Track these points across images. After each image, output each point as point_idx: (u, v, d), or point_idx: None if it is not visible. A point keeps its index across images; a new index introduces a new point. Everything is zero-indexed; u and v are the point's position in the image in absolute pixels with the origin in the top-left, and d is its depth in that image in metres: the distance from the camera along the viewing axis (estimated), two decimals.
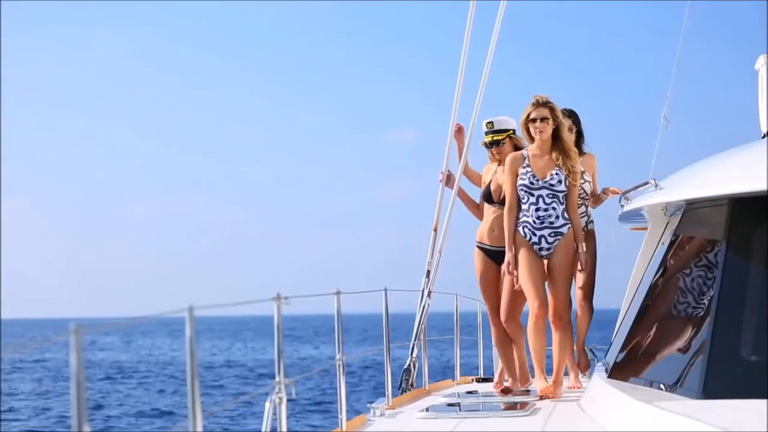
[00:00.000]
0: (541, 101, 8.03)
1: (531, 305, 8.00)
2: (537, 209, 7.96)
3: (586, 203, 8.86)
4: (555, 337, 8.07)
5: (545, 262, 8.04)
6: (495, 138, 8.76)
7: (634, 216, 8.16)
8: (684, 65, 11.00)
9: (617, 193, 8.56)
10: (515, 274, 8.06)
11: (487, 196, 8.84)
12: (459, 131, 9.24)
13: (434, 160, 9.24)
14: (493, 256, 8.71)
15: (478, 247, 8.89)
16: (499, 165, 8.78)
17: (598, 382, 7.04)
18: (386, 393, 7.92)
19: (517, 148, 8.58)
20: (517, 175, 8.04)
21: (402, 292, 8.83)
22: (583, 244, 8.11)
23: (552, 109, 8.02)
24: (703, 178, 6.48)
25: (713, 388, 5.56)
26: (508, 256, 8.06)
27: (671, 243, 6.91)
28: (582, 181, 8.64)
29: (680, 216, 6.85)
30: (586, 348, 9.50)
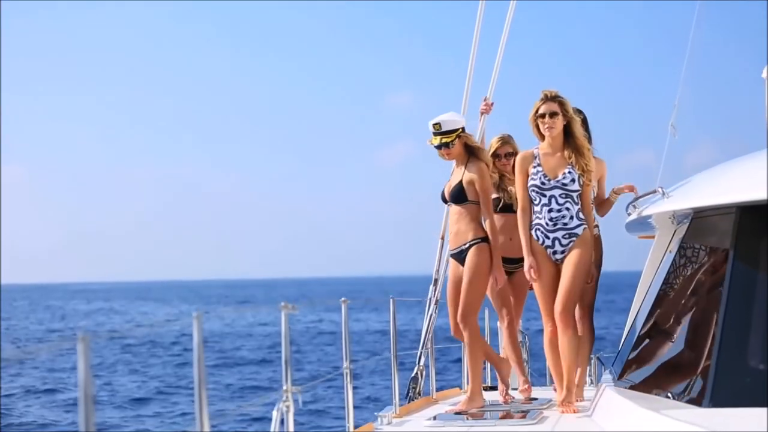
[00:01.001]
0: (549, 95, 7.61)
1: (544, 320, 7.59)
2: (550, 210, 7.54)
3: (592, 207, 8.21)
4: (562, 341, 7.47)
5: (559, 266, 7.57)
6: (444, 140, 8.23)
7: (642, 224, 8.13)
8: (692, 70, 11.01)
9: (631, 190, 8.24)
10: (536, 279, 7.59)
11: (442, 199, 8.52)
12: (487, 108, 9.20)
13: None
14: (457, 258, 8.28)
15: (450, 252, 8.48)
16: (457, 165, 8.37)
17: (605, 390, 7.03)
18: (393, 401, 7.92)
19: (467, 146, 8.24)
20: (528, 175, 7.63)
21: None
22: (593, 252, 7.68)
23: (562, 104, 7.60)
24: (711, 187, 6.47)
25: (720, 397, 5.55)
26: (528, 261, 7.60)
27: (679, 251, 6.91)
28: None
29: (687, 224, 6.84)
30: (593, 357, 9.43)
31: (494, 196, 8.80)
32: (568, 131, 7.62)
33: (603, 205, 8.65)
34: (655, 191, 7.32)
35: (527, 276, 7.68)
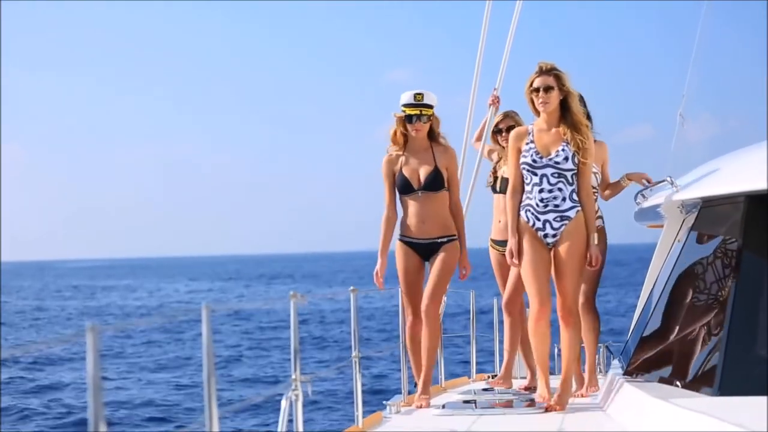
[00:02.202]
0: (545, 68, 7.06)
1: (531, 304, 7.12)
2: (541, 190, 6.98)
3: (594, 195, 7.72)
4: (564, 335, 7.09)
5: (552, 251, 7.06)
6: (424, 112, 7.79)
7: (651, 214, 8.12)
8: (700, 62, 10.98)
9: (647, 180, 7.91)
10: (517, 263, 7.12)
11: (405, 186, 7.85)
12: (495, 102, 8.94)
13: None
14: (421, 249, 7.90)
15: (401, 240, 7.96)
16: (405, 149, 7.90)
17: (614, 379, 7.04)
18: (402, 390, 7.93)
19: (431, 129, 7.86)
20: (521, 152, 7.09)
21: None
22: (595, 235, 7.14)
23: (557, 77, 7.03)
24: (719, 176, 6.47)
25: (729, 385, 5.56)
26: (510, 243, 7.10)
27: (687, 241, 6.90)
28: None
29: (696, 214, 6.84)
30: (601, 346, 9.37)
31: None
32: (565, 107, 7.09)
33: (609, 188, 8.31)
34: (663, 181, 7.32)
35: (508, 260, 7.22)
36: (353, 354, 7.14)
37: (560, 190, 6.98)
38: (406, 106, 7.84)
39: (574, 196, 7.01)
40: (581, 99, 7.92)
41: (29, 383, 26.91)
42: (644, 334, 7.06)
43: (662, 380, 6.32)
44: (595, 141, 7.76)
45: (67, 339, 3.82)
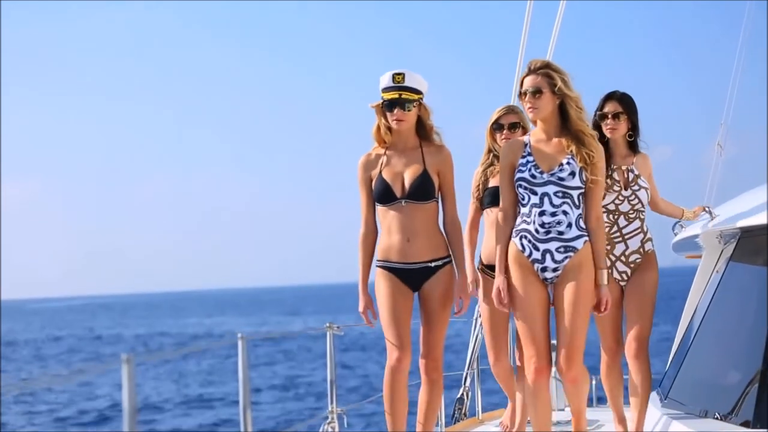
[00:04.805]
0: (532, 67, 5.86)
1: (527, 356, 5.81)
2: (541, 213, 5.74)
3: (642, 216, 6.83)
4: (568, 392, 6.00)
5: (551, 289, 5.90)
6: (405, 96, 6.12)
7: (689, 244, 8.07)
8: (740, 91, 10.93)
9: (703, 210, 7.11)
10: (505, 306, 5.89)
11: (385, 193, 6.19)
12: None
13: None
14: (408, 277, 6.21)
15: (382, 267, 6.25)
16: (386, 149, 6.31)
17: (651, 411, 6.98)
18: (439, 422, 7.90)
19: (420, 120, 6.27)
20: (514, 168, 5.86)
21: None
22: (605, 272, 5.90)
23: (548, 76, 5.80)
24: (758, 206, 6.42)
25: (767, 417, 5.51)
26: (498, 280, 5.84)
27: (725, 271, 6.85)
28: (636, 187, 6.68)
29: (735, 244, 6.79)
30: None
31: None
32: (565, 113, 5.89)
33: (665, 204, 7.19)
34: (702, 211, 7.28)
35: (495, 300, 5.89)
36: None
37: (565, 213, 5.77)
38: (385, 90, 6.20)
39: (581, 223, 5.83)
40: (630, 103, 6.82)
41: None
42: (683, 365, 7.00)
43: (701, 412, 6.27)
44: (639, 152, 6.93)
45: (102, 368, 3.83)
